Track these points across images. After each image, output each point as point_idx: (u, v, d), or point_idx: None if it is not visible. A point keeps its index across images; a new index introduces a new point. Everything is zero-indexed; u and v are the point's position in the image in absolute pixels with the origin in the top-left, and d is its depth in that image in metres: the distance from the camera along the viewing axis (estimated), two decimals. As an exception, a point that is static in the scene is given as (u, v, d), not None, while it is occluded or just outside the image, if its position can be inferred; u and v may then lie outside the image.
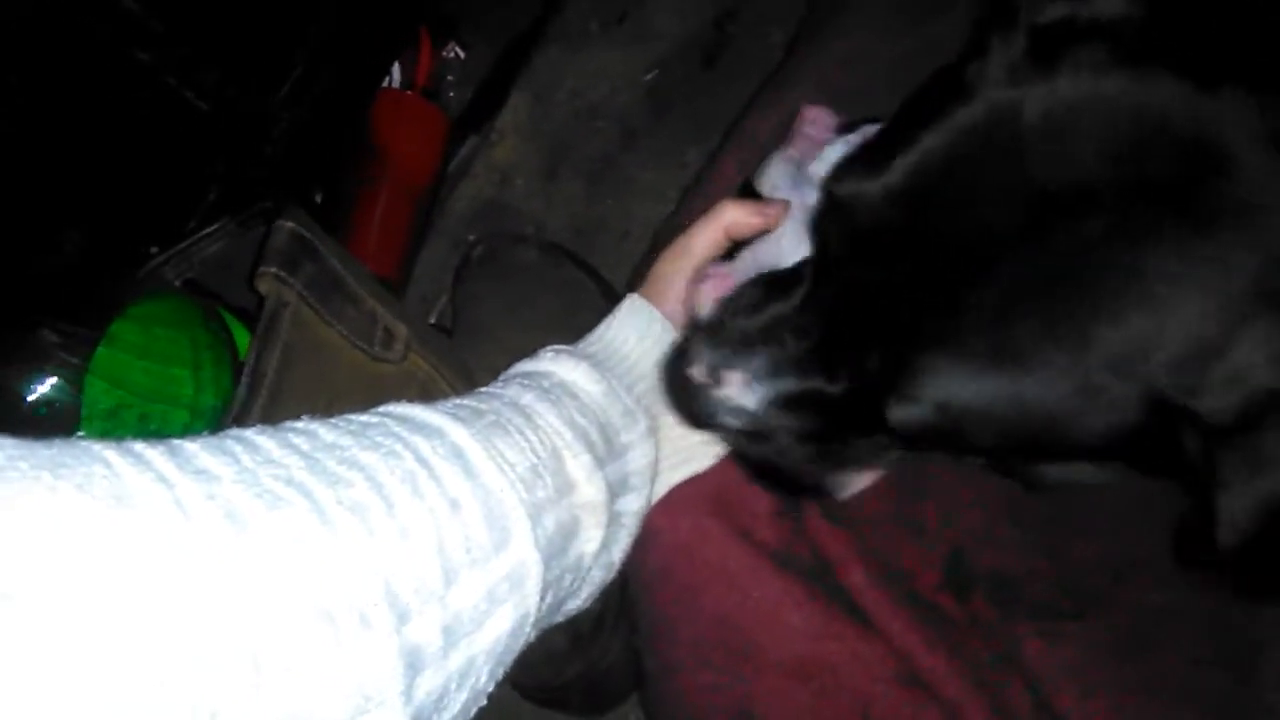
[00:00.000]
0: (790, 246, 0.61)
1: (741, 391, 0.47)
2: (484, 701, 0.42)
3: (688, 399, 0.50)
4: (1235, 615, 0.51)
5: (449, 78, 1.17)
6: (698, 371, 0.48)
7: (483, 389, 0.52)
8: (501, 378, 0.56)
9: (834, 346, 0.45)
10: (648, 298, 0.61)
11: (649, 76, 1.11)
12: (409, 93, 1.10)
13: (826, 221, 0.45)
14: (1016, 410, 0.39)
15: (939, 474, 0.58)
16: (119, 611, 0.27)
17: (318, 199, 1.09)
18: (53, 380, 0.75)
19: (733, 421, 0.49)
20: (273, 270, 0.63)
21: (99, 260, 0.88)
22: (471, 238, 1.08)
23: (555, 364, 0.55)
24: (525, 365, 0.56)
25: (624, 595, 0.71)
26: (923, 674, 0.53)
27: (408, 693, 0.35)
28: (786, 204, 0.61)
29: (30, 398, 0.75)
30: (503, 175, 1.13)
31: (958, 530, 0.57)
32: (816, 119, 0.62)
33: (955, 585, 0.56)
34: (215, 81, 0.91)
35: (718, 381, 0.48)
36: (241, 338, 0.79)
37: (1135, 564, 0.54)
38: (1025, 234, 0.38)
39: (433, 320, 1.05)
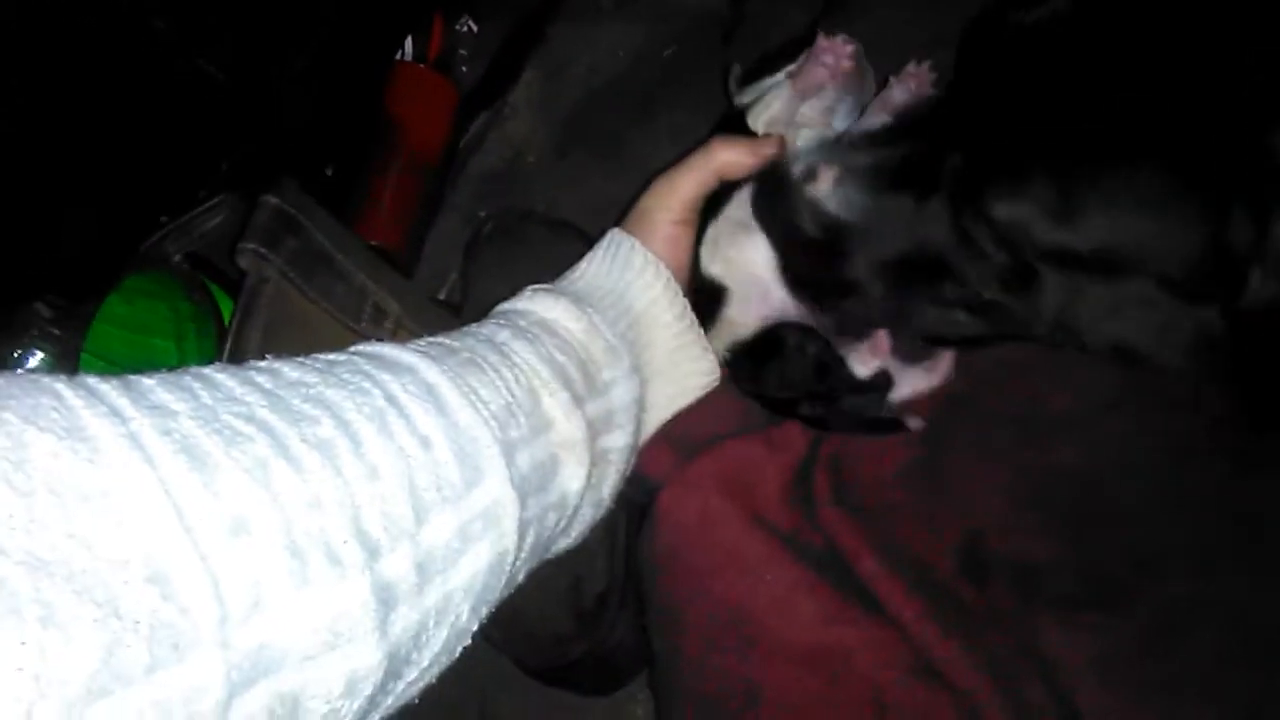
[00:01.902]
0: None
1: (829, 190, 0.47)
2: (468, 640, 0.42)
3: (778, 202, 0.50)
4: (1262, 606, 0.50)
5: (462, 52, 1.15)
6: (797, 168, 0.49)
7: (460, 329, 0.51)
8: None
9: (934, 152, 0.45)
10: (630, 233, 0.59)
11: (668, 53, 1.09)
12: (421, 66, 1.09)
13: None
14: None
15: (957, 460, 0.57)
16: (73, 543, 0.26)
17: (329, 172, 1.08)
18: (41, 354, 0.74)
19: (813, 230, 0.48)
20: (251, 246, 0.63)
21: (110, 231, 0.87)
22: (483, 214, 1.07)
23: (534, 302, 0.54)
24: (505, 305, 0.56)
25: (629, 573, 0.71)
26: (937, 664, 0.52)
27: (381, 628, 0.35)
28: (781, 141, 0.57)
29: (20, 371, 0.75)
30: (515, 151, 1.12)
31: (976, 517, 0.56)
32: (833, 49, 0.57)
33: (973, 573, 0.55)
34: (232, 53, 0.90)
35: (813, 177, 0.48)
36: (228, 310, 0.78)
37: (1160, 553, 0.52)
38: None
39: (442, 296, 1.04)
